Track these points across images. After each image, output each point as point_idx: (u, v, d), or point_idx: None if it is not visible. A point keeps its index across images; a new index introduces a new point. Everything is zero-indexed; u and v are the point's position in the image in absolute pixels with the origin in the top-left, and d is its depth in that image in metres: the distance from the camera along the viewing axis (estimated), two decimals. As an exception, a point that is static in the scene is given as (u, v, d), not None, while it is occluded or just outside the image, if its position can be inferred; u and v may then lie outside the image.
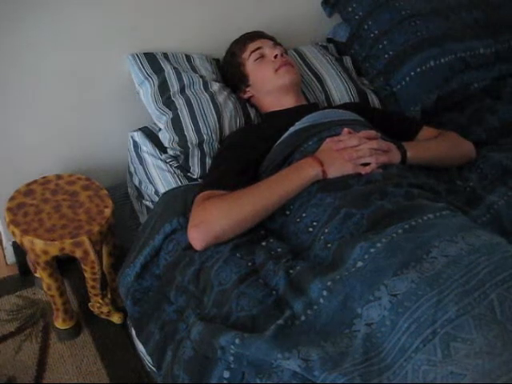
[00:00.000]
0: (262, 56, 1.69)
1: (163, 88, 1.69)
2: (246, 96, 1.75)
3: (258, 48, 1.69)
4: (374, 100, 1.89)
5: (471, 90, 1.93)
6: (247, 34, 1.76)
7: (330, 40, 2.08)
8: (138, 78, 1.72)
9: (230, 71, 1.76)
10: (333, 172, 1.35)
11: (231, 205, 1.30)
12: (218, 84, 1.73)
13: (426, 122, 1.72)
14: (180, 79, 1.70)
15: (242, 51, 1.71)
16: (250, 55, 1.70)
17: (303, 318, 1.12)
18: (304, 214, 1.30)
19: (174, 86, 1.69)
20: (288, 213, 1.33)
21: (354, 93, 1.86)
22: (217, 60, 1.86)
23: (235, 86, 1.76)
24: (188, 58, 1.80)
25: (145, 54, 1.74)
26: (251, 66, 1.70)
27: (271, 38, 1.75)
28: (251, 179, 1.42)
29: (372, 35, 1.92)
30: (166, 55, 1.77)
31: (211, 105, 1.66)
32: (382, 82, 1.91)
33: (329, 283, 1.12)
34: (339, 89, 1.85)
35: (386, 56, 1.89)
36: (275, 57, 1.66)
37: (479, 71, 1.94)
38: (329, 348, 1.05)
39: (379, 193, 1.28)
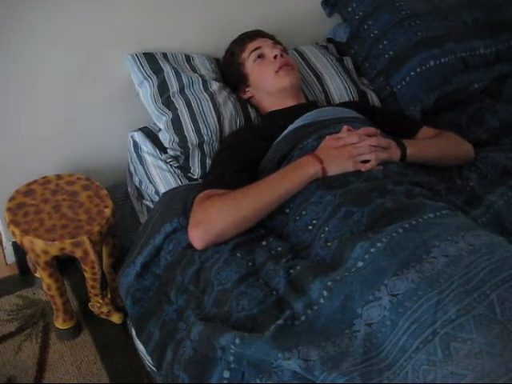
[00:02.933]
0: (262, 56, 1.68)
1: (162, 88, 1.68)
2: (245, 96, 1.74)
3: (258, 48, 1.68)
4: (374, 100, 1.89)
5: (471, 90, 1.92)
6: (246, 33, 1.75)
7: (330, 40, 2.08)
8: (138, 78, 1.71)
9: (229, 71, 1.76)
10: (333, 169, 1.35)
11: (231, 204, 1.30)
12: (217, 83, 1.72)
13: (425, 122, 1.72)
14: (179, 79, 1.69)
15: (242, 51, 1.71)
16: (249, 55, 1.69)
17: (303, 317, 1.12)
18: (304, 212, 1.30)
19: (173, 86, 1.68)
20: (288, 211, 1.33)
21: (354, 93, 1.86)
22: (217, 60, 1.85)
23: (235, 86, 1.75)
24: (187, 57, 1.79)
25: (144, 54, 1.74)
26: (251, 66, 1.69)
27: (271, 37, 1.74)
28: (251, 178, 1.41)
29: (372, 35, 1.92)
30: (165, 55, 1.76)
31: (211, 105, 1.66)
32: (382, 82, 1.91)
33: (329, 283, 1.12)
34: (339, 89, 1.85)
35: (386, 56, 1.89)
36: (275, 57, 1.66)
37: (479, 71, 1.93)
38: (329, 348, 1.05)
39: (379, 191, 1.28)
